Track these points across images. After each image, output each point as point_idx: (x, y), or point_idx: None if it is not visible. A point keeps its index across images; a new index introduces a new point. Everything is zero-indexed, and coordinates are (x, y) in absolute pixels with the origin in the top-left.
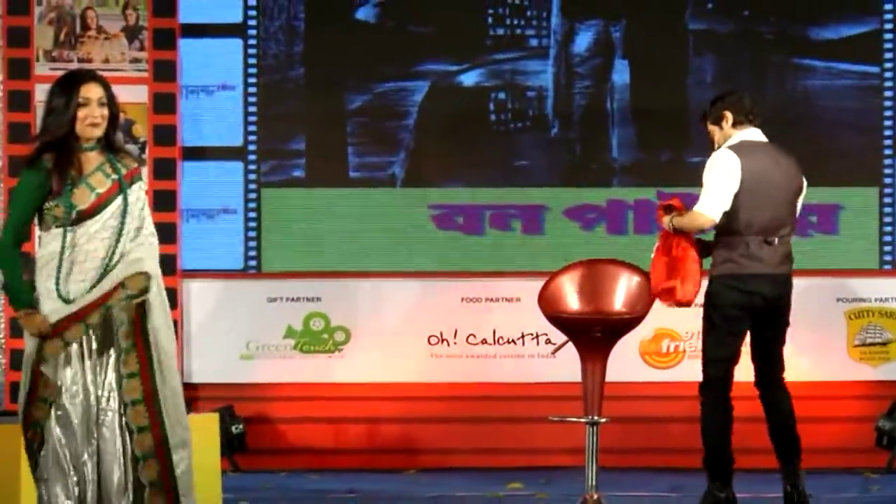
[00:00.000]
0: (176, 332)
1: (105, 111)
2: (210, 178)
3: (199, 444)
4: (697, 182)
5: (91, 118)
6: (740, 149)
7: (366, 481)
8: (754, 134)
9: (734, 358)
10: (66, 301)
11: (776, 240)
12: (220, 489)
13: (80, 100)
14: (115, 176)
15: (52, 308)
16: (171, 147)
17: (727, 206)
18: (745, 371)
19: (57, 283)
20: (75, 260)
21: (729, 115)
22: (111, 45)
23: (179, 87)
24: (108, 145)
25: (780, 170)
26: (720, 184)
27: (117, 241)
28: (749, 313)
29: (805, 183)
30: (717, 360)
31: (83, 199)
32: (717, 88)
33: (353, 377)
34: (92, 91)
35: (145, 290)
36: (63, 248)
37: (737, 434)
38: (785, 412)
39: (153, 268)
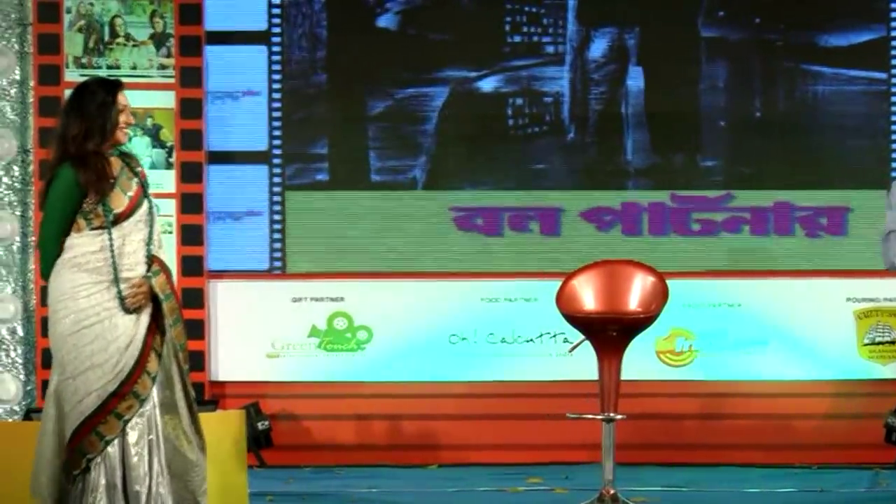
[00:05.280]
0: (203, 331)
1: (132, 118)
2: (236, 182)
3: (225, 439)
4: (709, 185)
5: (127, 125)
6: None
7: (388, 477)
8: None
9: None
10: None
11: None
12: (247, 484)
13: (120, 107)
14: (135, 179)
15: (105, 304)
16: (198, 151)
17: None
18: (769, 368)
19: (117, 286)
20: (119, 262)
21: None
22: (139, 52)
23: (205, 92)
24: (118, 149)
25: None
26: None
27: (148, 241)
28: None
29: None
30: None
31: (119, 202)
32: (729, 94)
33: (376, 375)
34: (124, 99)
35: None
36: (112, 250)
37: (751, 431)
38: None
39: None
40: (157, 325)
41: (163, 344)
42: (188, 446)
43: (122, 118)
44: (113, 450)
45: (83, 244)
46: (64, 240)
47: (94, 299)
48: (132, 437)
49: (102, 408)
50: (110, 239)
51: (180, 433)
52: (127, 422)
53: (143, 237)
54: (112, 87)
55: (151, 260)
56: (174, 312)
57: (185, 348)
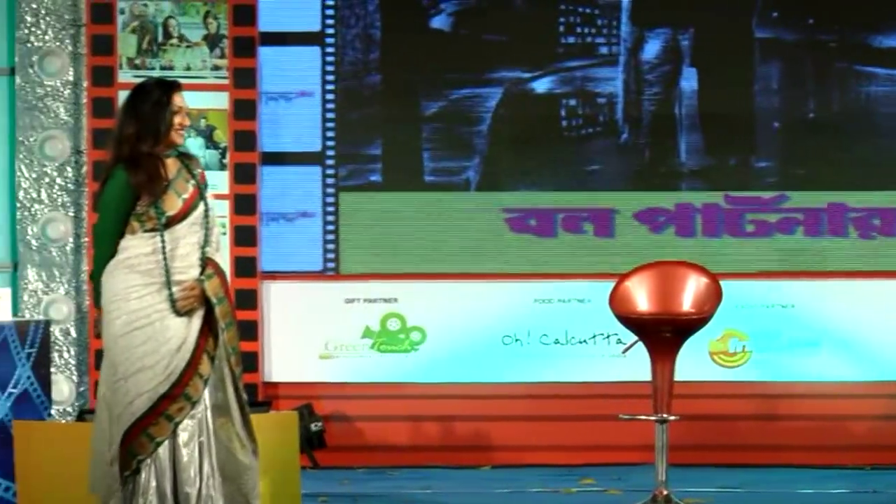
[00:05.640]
0: (256, 332)
1: (188, 120)
2: (289, 183)
3: (279, 441)
4: (763, 186)
5: (183, 127)
6: None
7: (441, 478)
8: None
9: None
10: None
11: None
12: (300, 485)
13: (175, 108)
14: (192, 181)
15: (156, 307)
16: (252, 152)
17: None
18: (823, 369)
19: (169, 288)
20: (170, 265)
21: None
22: (192, 52)
23: (259, 93)
24: (177, 150)
25: None
26: None
27: (204, 244)
28: None
29: None
30: None
31: (172, 204)
32: (783, 95)
33: (429, 376)
34: (180, 100)
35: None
36: (164, 252)
37: (804, 432)
38: None
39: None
40: (209, 328)
41: (216, 347)
42: (241, 450)
43: (177, 120)
44: (163, 451)
45: (136, 246)
46: (118, 241)
47: (145, 301)
48: (183, 438)
49: (153, 409)
50: (163, 241)
51: (233, 436)
52: (178, 424)
53: (198, 240)
54: (168, 87)
55: (206, 263)
56: (227, 316)
57: (238, 352)
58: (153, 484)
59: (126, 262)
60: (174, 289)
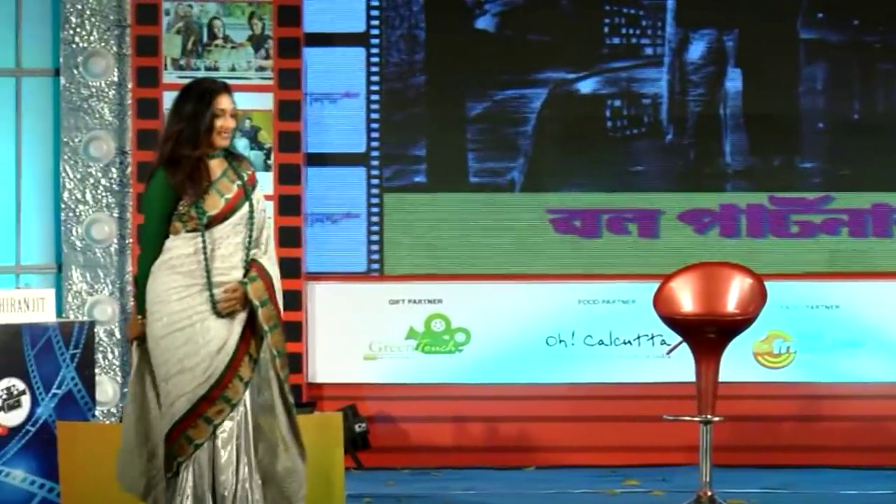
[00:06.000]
0: (300, 333)
1: (234, 122)
2: (334, 183)
3: (323, 442)
4: (808, 187)
5: (226, 129)
6: None
7: (485, 478)
8: None
9: None
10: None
11: None
12: (344, 486)
13: (217, 111)
14: (238, 181)
15: (195, 308)
16: (296, 153)
17: None
18: (867, 370)
19: (210, 290)
20: (211, 265)
21: None
22: (237, 53)
23: (304, 94)
24: (226, 151)
25: None
26: None
27: (247, 245)
28: None
29: None
30: None
31: (214, 204)
32: (828, 96)
33: (473, 377)
34: (225, 102)
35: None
36: (205, 253)
37: (848, 432)
38: None
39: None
40: (252, 331)
41: (259, 349)
42: (285, 453)
43: (219, 123)
44: (202, 454)
45: (179, 246)
46: (162, 242)
47: (185, 303)
48: (221, 440)
49: (192, 411)
50: (203, 242)
51: (278, 439)
52: (217, 426)
53: (242, 240)
54: (213, 89)
55: (250, 265)
56: (271, 319)
57: (284, 354)
58: (191, 485)
59: (168, 262)
60: (215, 290)
